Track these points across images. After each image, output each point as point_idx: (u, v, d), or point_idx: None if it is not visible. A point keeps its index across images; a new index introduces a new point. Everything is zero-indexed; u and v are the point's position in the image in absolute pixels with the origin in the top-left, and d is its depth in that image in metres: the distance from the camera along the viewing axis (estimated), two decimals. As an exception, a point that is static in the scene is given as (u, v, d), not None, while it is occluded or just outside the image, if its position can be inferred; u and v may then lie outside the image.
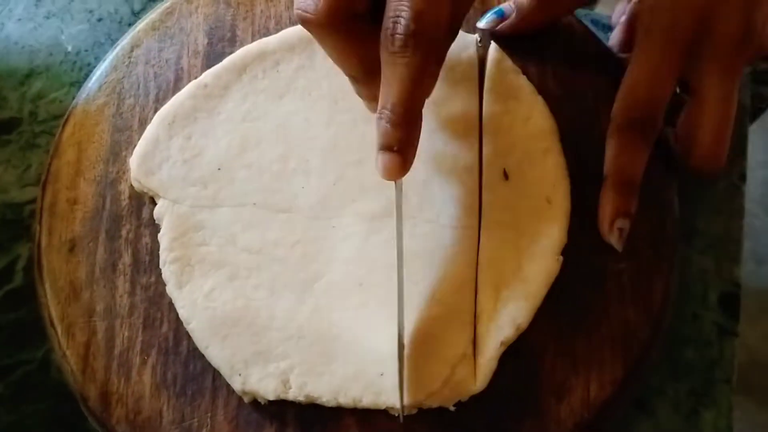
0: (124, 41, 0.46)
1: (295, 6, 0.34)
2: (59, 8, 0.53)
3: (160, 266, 0.40)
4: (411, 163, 0.35)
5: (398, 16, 0.32)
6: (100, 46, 0.51)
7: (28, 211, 0.46)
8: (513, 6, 0.44)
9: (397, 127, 0.33)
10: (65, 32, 0.52)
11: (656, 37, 0.39)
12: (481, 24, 0.44)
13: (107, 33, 0.52)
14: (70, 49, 0.52)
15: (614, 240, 0.39)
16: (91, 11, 0.53)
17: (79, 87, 0.47)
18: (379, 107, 0.34)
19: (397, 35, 0.32)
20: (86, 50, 0.51)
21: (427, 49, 0.33)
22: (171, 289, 0.39)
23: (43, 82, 0.51)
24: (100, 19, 0.53)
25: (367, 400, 0.37)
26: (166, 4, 0.47)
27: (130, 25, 0.52)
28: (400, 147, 0.34)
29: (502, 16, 0.44)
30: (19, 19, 0.53)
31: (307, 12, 0.33)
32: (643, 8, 0.41)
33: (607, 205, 0.39)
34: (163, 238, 0.40)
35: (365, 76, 0.35)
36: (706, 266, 0.44)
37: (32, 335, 0.41)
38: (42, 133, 0.49)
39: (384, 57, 0.33)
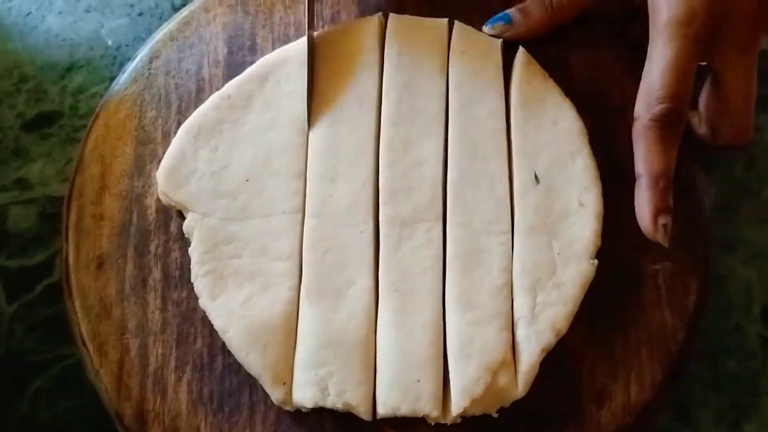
0: (143, 52, 0.46)
1: None
2: (99, 2, 0.52)
3: (192, 280, 0.39)
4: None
5: None
6: (140, 41, 0.51)
7: (68, 206, 0.46)
8: (519, 13, 0.44)
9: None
10: (105, 26, 0.52)
11: (673, 31, 0.39)
12: (487, 29, 0.44)
13: (147, 28, 0.51)
14: (110, 43, 0.51)
15: (660, 237, 0.38)
16: (131, 5, 0.52)
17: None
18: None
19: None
20: (126, 45, 0.51)
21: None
22: (205, 302, 0.39)
23: (83, 76, 0.50)
24: (140, 14, 0.52)
25: (405, 408, 0.37)
26: (184, 14, 0.46)
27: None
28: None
29: (509, 22, 0.44)
30: (60, 12, 0.53)
31: None
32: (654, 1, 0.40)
33: (646, 204, 0.38)
34: (194, 252, 0.40)
35: None
36: (750, 277, 0.44)
37: (71, 330, 0.41)
38: (82, 127, 0.48)
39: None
